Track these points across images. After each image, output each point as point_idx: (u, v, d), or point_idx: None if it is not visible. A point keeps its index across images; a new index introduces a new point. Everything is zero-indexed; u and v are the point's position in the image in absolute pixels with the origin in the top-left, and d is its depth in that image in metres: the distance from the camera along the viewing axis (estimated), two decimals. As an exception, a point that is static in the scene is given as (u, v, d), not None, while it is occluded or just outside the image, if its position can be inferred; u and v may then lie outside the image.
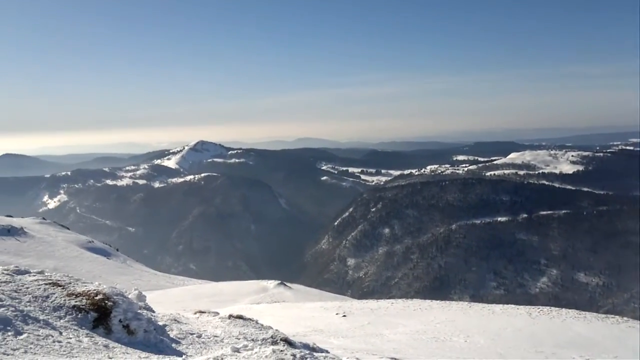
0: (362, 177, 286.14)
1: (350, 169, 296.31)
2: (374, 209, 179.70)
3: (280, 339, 11.00)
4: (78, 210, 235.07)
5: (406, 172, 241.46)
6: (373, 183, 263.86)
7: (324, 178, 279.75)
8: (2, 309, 6.76)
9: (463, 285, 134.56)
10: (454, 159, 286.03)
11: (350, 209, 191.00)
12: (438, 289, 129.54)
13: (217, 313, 12.41)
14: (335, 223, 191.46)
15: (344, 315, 20.19)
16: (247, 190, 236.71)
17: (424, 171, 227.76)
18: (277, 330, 11.52)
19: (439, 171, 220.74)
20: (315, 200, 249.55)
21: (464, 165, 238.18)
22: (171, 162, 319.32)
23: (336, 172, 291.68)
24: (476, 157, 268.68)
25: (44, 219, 70.30)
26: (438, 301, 26.35)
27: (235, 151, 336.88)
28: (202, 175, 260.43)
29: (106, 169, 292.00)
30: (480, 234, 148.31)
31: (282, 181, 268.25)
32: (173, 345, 8.25)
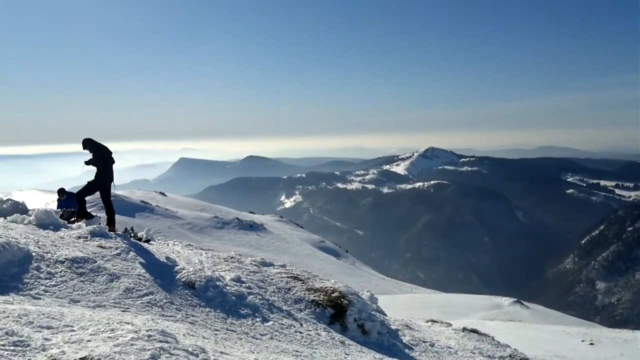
0: (617, 191, 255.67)
1: (602, 182, 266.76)
2: (630, 228, 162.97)
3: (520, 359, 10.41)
4: (311, 211, 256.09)
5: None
6: (630, 199, 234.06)
7: (570, 191, 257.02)
8: (251, 296, 7.63)
9: None
10: None
11: (602, 227, 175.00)
12: None
13: (450, 324, 12.27)
14: (583, 241, 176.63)
15: (591, 343, 18.30)
16: (480, 200, 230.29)
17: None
18: (515, 349, 10.92)
19: None
20: (558, 214, 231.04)
21: None
22: (400, 168, 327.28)
23: (584, 184, 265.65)
24: None
25: (281, 217, 78.32)
26: None
27: (468, 159, 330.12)
28: (432, 182, 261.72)
29: (337, 173, 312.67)
30: None
31: (520, 192, 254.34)
32: (406, 350, 8.40)
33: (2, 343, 3.23)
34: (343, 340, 7.43)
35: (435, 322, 12.55)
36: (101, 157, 10.59)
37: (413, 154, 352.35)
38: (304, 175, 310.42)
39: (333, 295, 8.72)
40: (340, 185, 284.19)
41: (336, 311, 8.33)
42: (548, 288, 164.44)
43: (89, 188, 10.39)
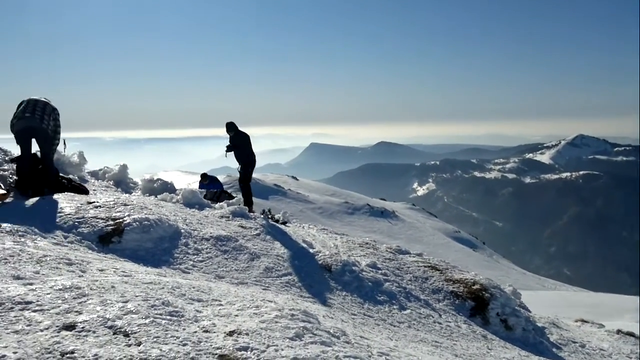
0: None
1: None
2: None
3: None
4: (445, 200, 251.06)
5: None
6: None
7: None
8: (388, 283, 7.64)
9: None
10: None
11: None
12: None
13: (603, 325, 11.45)
14: None
15: None
16: (636, 194, 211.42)
17: None
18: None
19: None
20: None
21: None
22: (544, 157, 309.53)
23: None
24: None
25: (413, 205, 77.53)
26: None
27: (623, 148, 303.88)
28: (581, 173, 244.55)
29: (474, 161, 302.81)
30: None
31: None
32: (553, 349, 7.96)
33: (159, 312, 3.51)
34: (485, 334, 7.21)
35: (585, 322, 11.78)
36: (241, 141, 11.19)
37: (560, 142, 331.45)
38: (438, 162, 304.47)
39: (474, 287, 8.47)
40: (477, 173, 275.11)
41: (477, 304, 8.10)
42: None
43: (245, 173, 11.22)
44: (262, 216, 10.38)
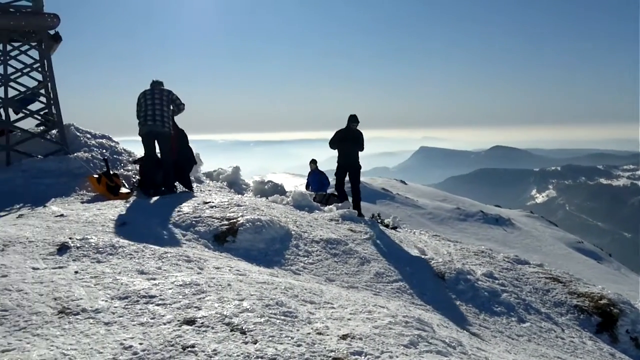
0: None
1: None
2: None
3: None
4: (567, 208, 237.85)
5: None
6: None
7: None
8: (506, 294, 7.35)
9: None
10: None
11: None
12: None
13: None
14: None
15: None
16: None
17: None
18: None
19: None
20: None
21: None
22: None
23: None
24: None
25: (531, 212, 74.06)
26: None
27: None
28: None
29: (600, 167, 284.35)
30: None
31: None
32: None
33: (274, 312, 3.60)
34: (613, 353, 6.75)
35: None
36: (353, 136, 11.14)
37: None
38: (559, 168, 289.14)
39: (601, 302, 7.95)
40: (603, 180, 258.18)
41: (604, 320, 7.59)
42: None
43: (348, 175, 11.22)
44: (371, 220, 10.39)
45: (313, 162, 14.93)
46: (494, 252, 9.82)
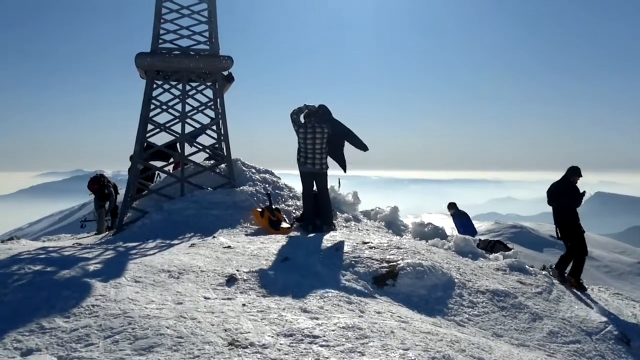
0: None
1: None
2: None
3: None
4: None
5: None
6: None
7: None
8: None
9: None
10: None
11: None
12: None
13: None
14: None
15: None
16: None
17: None
18: None
19: None
20: None
21: None
22: None
23: None
24: None
25: None
26: None
27: None
28: None
29: None
30: None
31: None
32: None
33: (440, 365, 3.49)
34: None
35: None
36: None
37: None
38: None
39: None
40: None
41: None
42: None
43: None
44: (542, 271, 9.77)
45: (451, 205, 14.38)
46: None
